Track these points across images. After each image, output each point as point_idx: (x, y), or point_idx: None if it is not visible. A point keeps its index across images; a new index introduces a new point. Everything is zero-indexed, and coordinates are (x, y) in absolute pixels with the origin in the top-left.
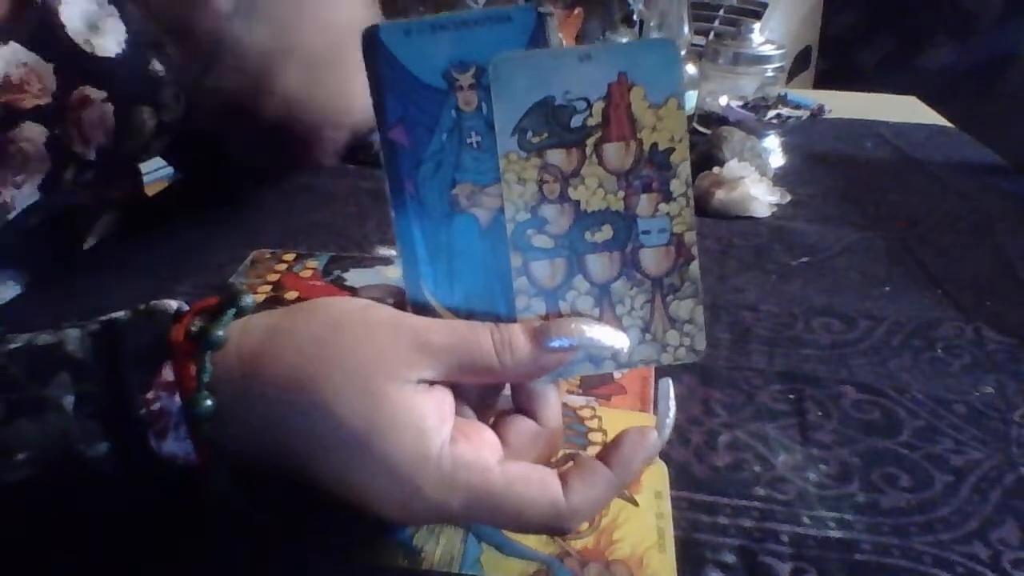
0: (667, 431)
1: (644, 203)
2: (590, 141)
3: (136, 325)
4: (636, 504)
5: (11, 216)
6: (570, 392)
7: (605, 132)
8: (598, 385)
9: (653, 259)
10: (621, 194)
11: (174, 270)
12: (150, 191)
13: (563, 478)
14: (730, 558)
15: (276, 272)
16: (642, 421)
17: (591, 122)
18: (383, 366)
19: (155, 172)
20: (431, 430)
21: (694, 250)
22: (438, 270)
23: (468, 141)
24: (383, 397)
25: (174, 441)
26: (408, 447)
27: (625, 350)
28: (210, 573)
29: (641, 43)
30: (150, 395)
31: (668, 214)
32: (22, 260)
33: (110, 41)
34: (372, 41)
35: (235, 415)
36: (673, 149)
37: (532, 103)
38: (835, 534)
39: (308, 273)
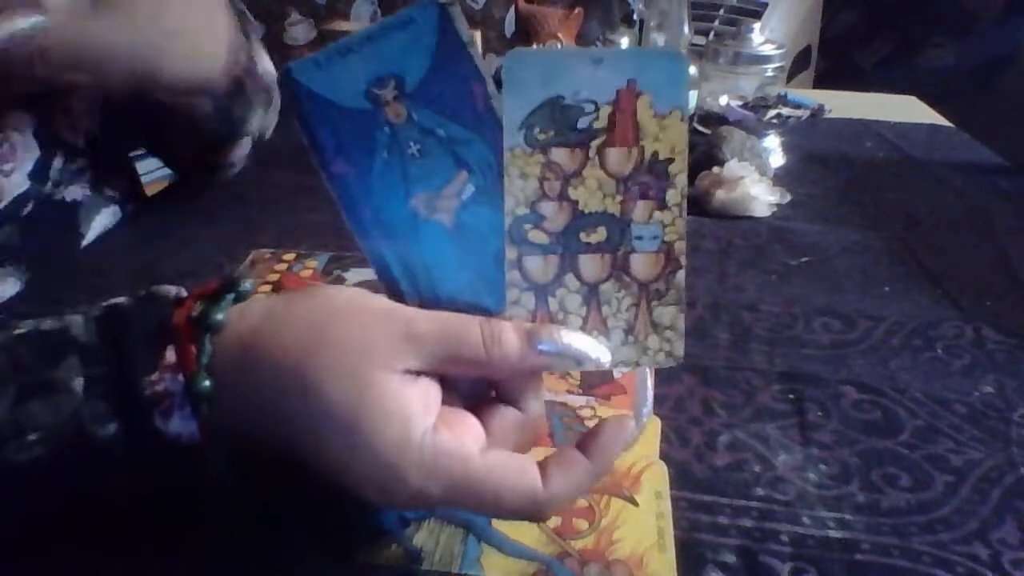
0: (644, 418)
1: (640, 209)
2: (594, 143)
3: (139, 310)
4: (636, 504)
5: (1, 205)
6: (570, 392)
7: (609, 136)
8: (598, 385)
9: (643, 264)
10: (619, 198)
11: (174, 270)
12: (150, 191)
13: (542, 467)
14: (730, 558)
15: (276, 272)
16: None
17: (597, 125)
18: (373, 354)
19: (155, 172)
20: (415, 417)
21: (682, 259)
22: (420, 285)
23: (409, 152)
24: (371, 384)
25: (179, 420)
26: (392, 433)
27: (607, 362)
28: (208, 571)
29: (653, 52)
30: (155, 376)
31: (662, 222)
32: (21, 258)
33: None
34: (287, 82)
35: (233, 395)
36: (672, 160)
37: (542, 100)
38: (835, 534)
39: (308, 273)
